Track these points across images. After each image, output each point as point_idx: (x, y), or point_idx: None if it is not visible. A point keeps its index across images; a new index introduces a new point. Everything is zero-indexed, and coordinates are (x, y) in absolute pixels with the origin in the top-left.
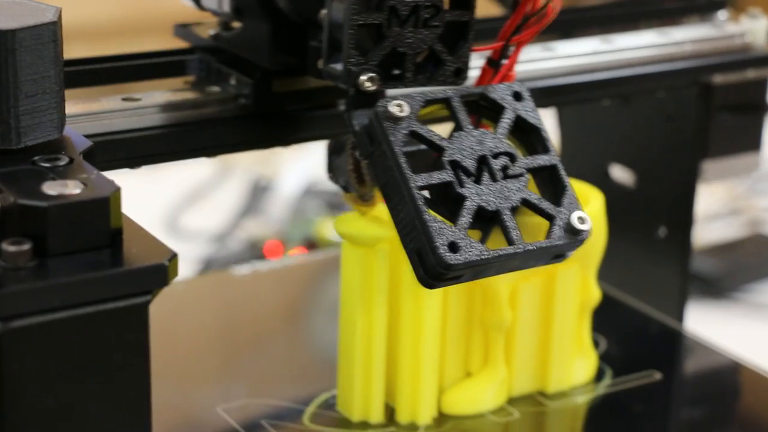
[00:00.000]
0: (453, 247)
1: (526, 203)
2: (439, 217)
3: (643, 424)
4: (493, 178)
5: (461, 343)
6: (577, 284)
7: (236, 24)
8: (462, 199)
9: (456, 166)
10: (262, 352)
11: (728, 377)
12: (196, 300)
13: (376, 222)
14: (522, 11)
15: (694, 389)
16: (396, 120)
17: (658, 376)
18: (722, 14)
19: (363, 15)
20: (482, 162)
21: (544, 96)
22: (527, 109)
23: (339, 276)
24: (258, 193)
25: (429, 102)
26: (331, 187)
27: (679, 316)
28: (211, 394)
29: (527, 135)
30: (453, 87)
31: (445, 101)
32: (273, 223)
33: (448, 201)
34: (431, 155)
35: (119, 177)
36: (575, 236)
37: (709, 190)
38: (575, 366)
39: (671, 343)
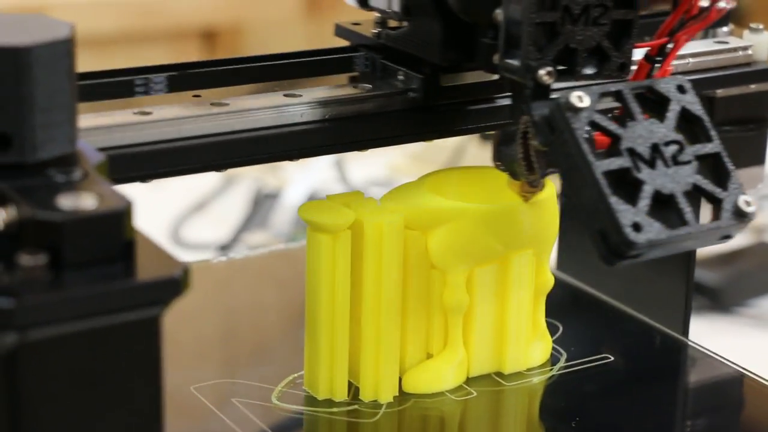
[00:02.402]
0: (636, 227)
1: (697, 187)
2: (621, 200)
3: (595, 402)
4: (666, 164)
5: (421, 326)
6: (531, 269)
7: (393, 23)
8: (640, 183)
9: (632, 153)
10: (234, 336)
11: (679, 357)
12: None
13: (340, 209)
14: (683, 9)
15: (638, 370)
16: (576, 110)
17: (610, 358)
18: (725, 28)
19: (540, 13)
20: (655, 149)
21: None
22: (691, 101)
23: None
24: (262, 204)
25: (604, 94)
26: None
27: (683, 329)
28: (185, 375)
29: (691, 125)
30: (620, 80)
31: (617, 93)
32: (276, 233)
33: (625, 185)
34: (599, 143)
35: (120, 187)
36: (742, 218)
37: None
38: (531, 348)
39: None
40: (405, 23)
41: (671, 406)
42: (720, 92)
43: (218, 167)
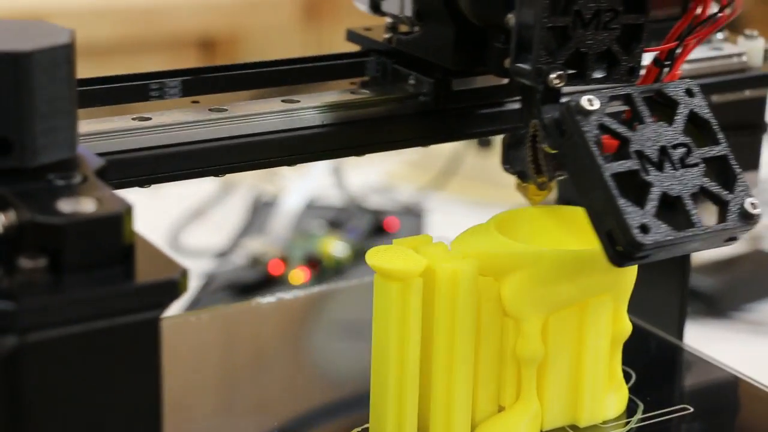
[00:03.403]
0: (644, 228)
1: (704, 190)
2: (629, 202)
3: None
4: (674, 167)
5: (493, 377)
6: (608, 316)
7: (404, 28)
8: (648, 185)
9: (641, 155)
10: (296, 387)
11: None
12: (214, 334)
13: (410, 255)
14: (691, 15)
15: (724, 421)
16: (586, 113)
17: (690, 409)
18: (720, 35)
19: (552, 18)
20: (663, 152)
21: None
22: (699, 105)
23: (368, 310)
24: (260, 211)
25: (613, 98)
26: (334, 203)
27: (678, 334)
28: (241, 428)
29: (699, 128)
30: (629, 84)
31: (627, 97)
32: (274, 240)
33: (633, 187)
34: (607, 146)
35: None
36: (748, 220)
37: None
38: (607, 399)
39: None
40: (416, 28)
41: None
42: (715, 98)
43: (217, 172)
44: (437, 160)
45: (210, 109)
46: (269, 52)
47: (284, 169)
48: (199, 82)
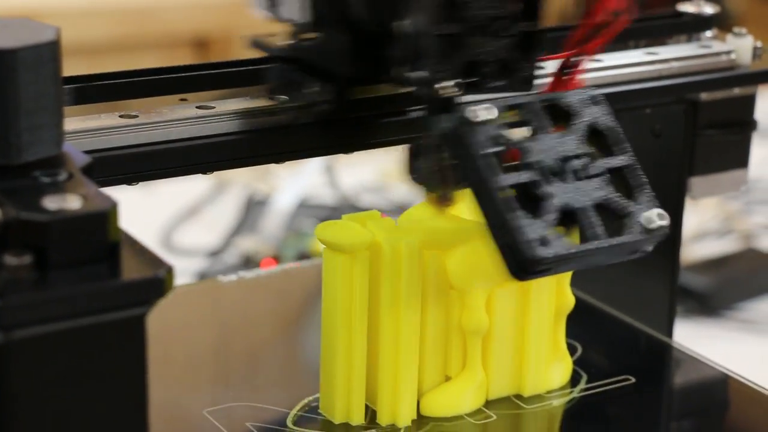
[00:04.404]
0: (543, 241)
1: (607, 201)
2: (527, 215)
3: (617, 426)
4: (575, 177)
5: (440, 348)
6: (551, 290)
7: (306, 35)
8: (547, 197)
9: (539, 166)
10: (249, 358)
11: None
12: (185, 307)
13: (357, 229)
14: (590, 22)
15: (670, 394)
16: (480, 124)
17: (632, 380)
18: (709, 33)
19: (443, 25)
20: (563, 162)
21: None
22: (602, 113)
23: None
24: (252, 209)
25: (510, 107)
26: (326, 202)
27: (668, 332)
28: (198, 398)
29: (603, 137)
30: (527, 93)
31: (525, 106)
32: (267, 238)
33: (532, 199)
34: (509, 156)
35: (112, 192)
36: (654, 232)
37: (702, 206)
38: (551, 370)
39: (650, 351)
40: (315, 35)
41: (654, 405)
42: (704, 96)
43: (205, 170)
44: None
45: (197, 107)
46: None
47: (277, 168)
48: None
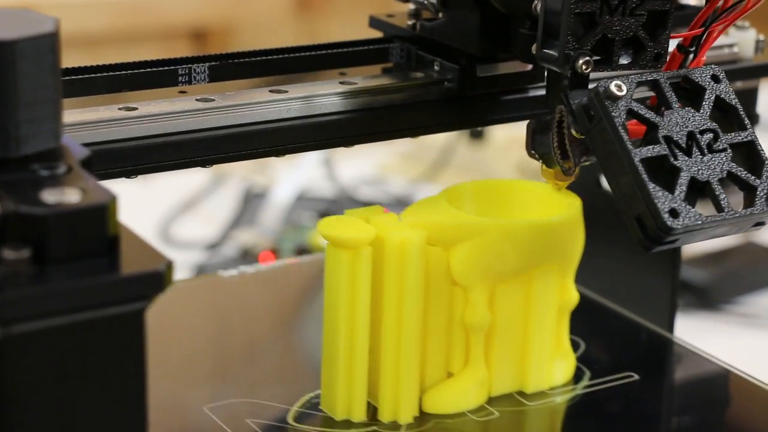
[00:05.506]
0: (673, 213)
1: (731, 175)
2: (658, 187)
3: (620, 423)
4: (701, 152)
5: (442, 344)
6: (555, 287)
7: (428, 14)
8: (677, 170)
9: (669, 140)
10: (250, 354)
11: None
12: (185, 302)
13: (360, 225)
14: (716, 1)
15: (671, 389)
16: (615, 99)
17: (635, 377)
18: None
19: (580, 4)
20: (690, 137)
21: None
22: (725, 91)
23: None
24: (251, 202)
25: (641, 83)
26: (325, 195)
27: (669, 326)
28: (199, 394)
29: (725, 114)
30: (656, 70)
31: (654, 83)
32: (266, 231)
33: (661, 172)
34: (634, 132)
35: (110, 184)
36: None
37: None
38: (554, 367)
39: (652, 346)
40: (441, 14)
41: (657, 403)
42: None
43: (204, 163)
44: (429, 151)
45: (197, 99)
46: (261, 43)
47: (275, 161)
48: (220, 69)
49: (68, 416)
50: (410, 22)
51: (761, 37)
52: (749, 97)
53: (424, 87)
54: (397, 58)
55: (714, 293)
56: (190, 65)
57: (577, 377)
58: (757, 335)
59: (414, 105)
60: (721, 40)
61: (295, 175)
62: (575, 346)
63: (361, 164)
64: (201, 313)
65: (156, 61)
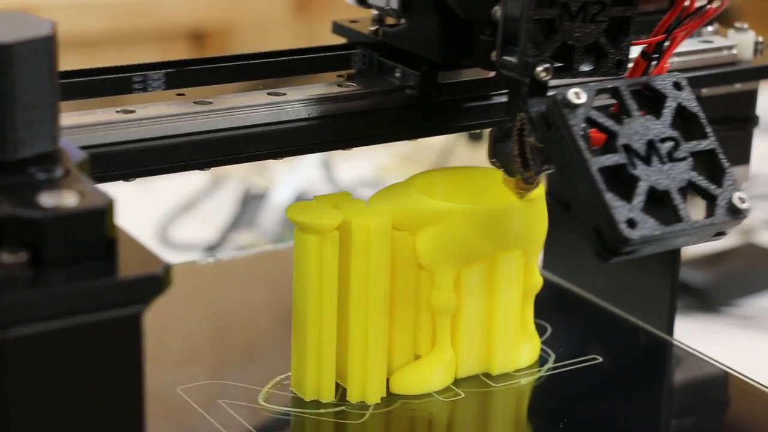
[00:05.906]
0: (631, 223)
1: (692, 184)
2: (616, 197)
3: (584, 404)
4: (661, 161)
5: (409, 327)
6: (519, 270)
7: (391, 21)
8: (635, 179)
9: (628, 149)
10: (222, 337)
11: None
12: None
13: (328, 210)
14: (679, 7)
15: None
16: (573, 107)
17: (599, 359)
18: (710, 28)
19: (539, 10)
20: (650, 146)
21: None
22: (687, 98)
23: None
24: (249, 204)
25: (601, 91)
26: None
27: (668, 328)
28: (171, 376)
29: (687, 122)
30: (617, 77)
31: (614, 90)
32: (264, 233)
33: (620, 182)
34: (594, 140)
35: (108, 187)
36: (736, 215)
37: (702, 201)
38: (519, 349)
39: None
40: (402, 20)
41: (657, 405)
42: (705, 91)
43: (202, 166)
44: (428, 153)
45: (195, 102)
46: (260, 44)
47: (274, 163)
48: (185, 75)
49: (66, 419)
50: (373, 28)
51: (760, 39)
52: (748, 99)
53: (385, 94)
54: (360, 65)
55: (713, 295)
56: (147, 72)
57: (543, 360)
58: (756, 337)
59: (375, 112)
60: (720, 42)
61: (293, 176)
62: (542, 330)
63: (359, 166)
64: (174, 298)
65: (155, 63)
